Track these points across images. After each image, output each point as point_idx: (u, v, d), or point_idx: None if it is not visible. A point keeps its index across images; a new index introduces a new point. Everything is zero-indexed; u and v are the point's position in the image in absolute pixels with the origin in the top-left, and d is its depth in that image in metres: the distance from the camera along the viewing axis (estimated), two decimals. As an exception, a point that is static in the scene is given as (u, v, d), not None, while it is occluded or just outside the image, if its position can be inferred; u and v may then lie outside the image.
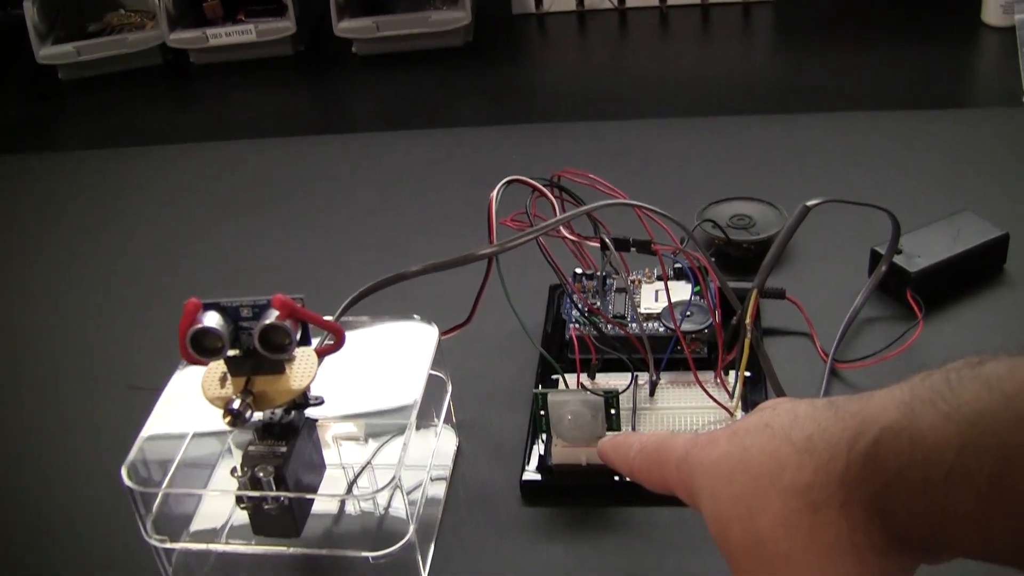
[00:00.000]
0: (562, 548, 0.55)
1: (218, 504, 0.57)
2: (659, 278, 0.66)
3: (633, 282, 0.67)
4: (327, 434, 0.58)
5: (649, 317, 0.64)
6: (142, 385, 0.60)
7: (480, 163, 0.91)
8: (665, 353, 0.61)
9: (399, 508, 0.56)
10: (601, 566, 0.54)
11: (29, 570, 0.58)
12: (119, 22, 1.21)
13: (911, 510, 0.34)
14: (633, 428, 0.59)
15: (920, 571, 0.37)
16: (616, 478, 0.56)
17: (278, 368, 0.50)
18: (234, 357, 0.50)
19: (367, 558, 0.52)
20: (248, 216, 0.88)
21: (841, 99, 0.99)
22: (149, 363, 0.65)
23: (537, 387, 0.63)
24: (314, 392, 0.52)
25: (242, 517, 0.52)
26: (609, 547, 0.55)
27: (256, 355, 0.49)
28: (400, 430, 0.53)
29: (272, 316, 0.48)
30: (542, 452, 0.59)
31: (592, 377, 0.61)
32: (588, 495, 0.58)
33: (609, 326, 0.63)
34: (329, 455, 0.56)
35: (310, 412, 0.52)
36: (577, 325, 0.63)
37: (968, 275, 0.69)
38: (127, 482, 0.51)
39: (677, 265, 0.66)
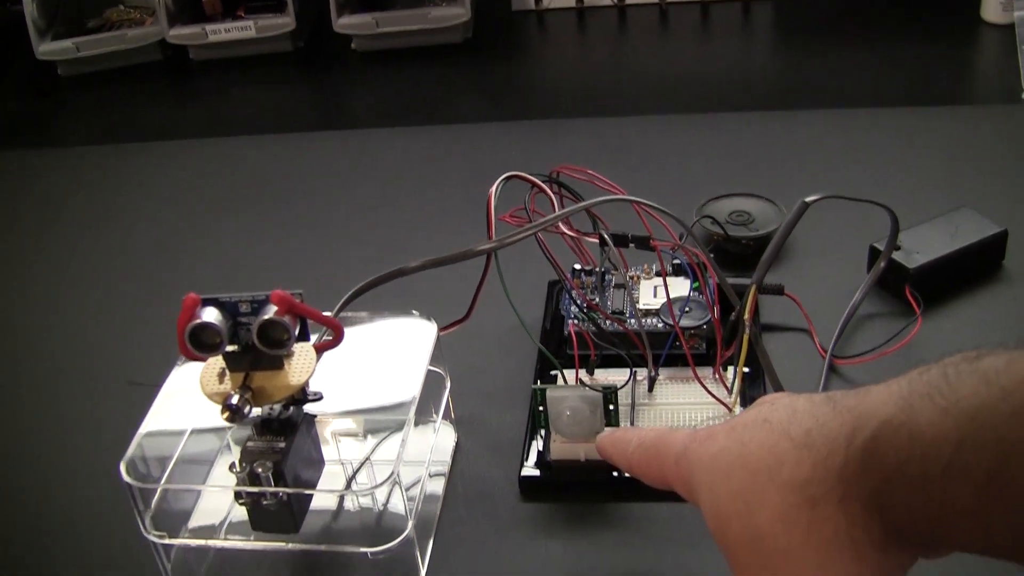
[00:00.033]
0: (561, 544, 0.55)
1: (217, 500, 0.57)
2: (658, 274, 0.66)
3: (632, 278, 0.67)
4: (326, 430, 0.58)
5: (648, 313, 0.64)
6: (141, 381, 0.60)
7: (479, 159, 0.91)
8: (664, 349, 0.61)
9: (398, 504, 0.56)
10: (600, 562, 0.54)
11: (27, 565, 0.58)
12: (118, 18, 1.21)
13: (909, 505, 0.34)
14: (632, 424, 0.59)
15: (919, 566, 0.37)
16: (615, 474, 0.56)
17: (277, 364, 0.50)
18: (232, 353, 0.50)
19: (366, 554, 0.52)
20: (247, 212, 0.88)
21: (840, 96, 0.99)
22: (148, 359, 0.65)
23: (536, 383, 0.63)
24: (313, 388, 0.52)
25: (241, 513, 0.52)
26: (608, 543, 0.55)
27: (255, 351, 0.49)
28: (399, 426, 0.53)
29: (271, 311, 0.48)
30: (541, 448, 0.59)
31: (591, 373, 0.61)
32: (587, 491, 0.58)
33: (608, 322, 0.63)
34: (328, 451, 0.56)
35: (309, 408, 0.52)
36: (576, 321, 0.63)
37: (967, 271, 0.69)
38: (126, 478, 0.51)
39: (676, 261, 0.66)
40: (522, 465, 0.59)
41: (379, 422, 0.59)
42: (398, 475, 0.51)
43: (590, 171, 0.64)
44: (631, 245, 0.62)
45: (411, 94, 1.09)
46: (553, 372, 0.63)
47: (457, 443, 0.62)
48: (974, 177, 0.81)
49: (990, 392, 0.32)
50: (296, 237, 0.84)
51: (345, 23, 1.13)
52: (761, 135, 0.90)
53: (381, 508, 0.57)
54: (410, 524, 0.52)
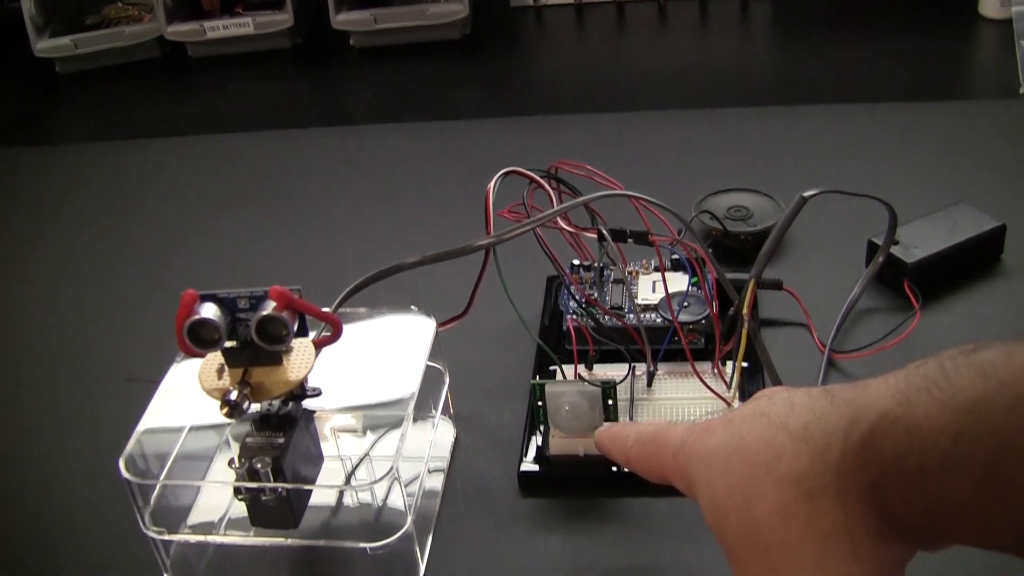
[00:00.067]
0: (560, 539, 0.55)
1: (216, 496, 0.57)
2: (656, 269, 0.66)
3: (630, 273, 0.67)
4: (325, 426, 0.58)
5: (646, 308, 0.64)
6: (139, 377, 0.60)
7: (477, 155, 0.91)
8: (662, 344, 0.61)
9: (397, 499, 0.56)
10: (599, 557, 0.54)
11: (27, 562, 0.58)
12: (116, 15, 1.21)
13: (907, 498, 0.34)
14: (630, 419, 0.59)
15: (917, 559, 0.37)
16: (614, 468, 0.56)
17: (275, 359, 0.50)
18: (231, 348, 0.50)
19: (365, 549, 0.52)
20: (246, 208, 0.88)
21: (838, 91, 0.99)
22: (147, 355, 0.65)
23: (535, 378, 0.63)
24: (311, 383, 0.52)
25: (240, 509, 0.52)
26: (607, 537, 0.55)
27: (253, 346, 0.49)
28: (398, 422, 0.53)
29: (269, 307, 0.48)
30: (540, 443, 0.59)
31: (590, 368, 0.61)
32: (586, 486, 0.58)
33: (606, 317, 0.63)
34: (327, 447, 0.56)
35: (307, 403, 0.52)
36: (574, 316, 0.63)
37: (965, 266, 0.69)
38: (125, 474, 0.51)
39: (674, 256, 0.66)
40: (521, 460, 0.59)
41: (378, 418, 0.59)
42: (397, 471, 0.51)
43: (588, 167, 0.64)
44: (629, 240, 0.62)
45: (409, 90, 1.09)
46: (552, 367, 0.63)
47: (456, 439, 0.62)
48: (972, 172, 0.81)
49: (987, 385, 0.32)
50: (295, 233, 0.84)
51: (343, 19, 1.13)
52: (759, 130, 0.90)
53: (380, 504, 0.57)
54: (409, 520, 0.52)
